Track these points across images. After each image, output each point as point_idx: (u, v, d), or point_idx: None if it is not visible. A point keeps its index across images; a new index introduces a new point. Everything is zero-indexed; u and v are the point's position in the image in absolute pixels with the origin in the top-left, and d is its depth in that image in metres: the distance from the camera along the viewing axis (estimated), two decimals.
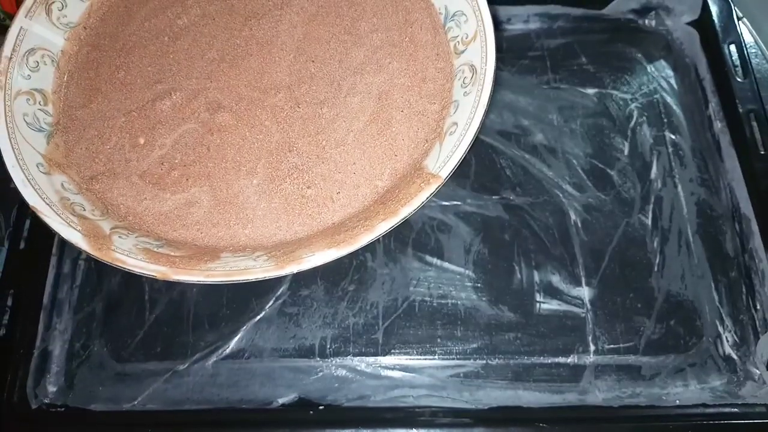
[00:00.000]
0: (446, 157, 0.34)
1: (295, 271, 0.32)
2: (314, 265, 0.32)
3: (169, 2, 0.41)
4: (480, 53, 0.37)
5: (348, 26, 0.40)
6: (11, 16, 0.41)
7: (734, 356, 0.46)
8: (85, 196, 0.36)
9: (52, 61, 0.39)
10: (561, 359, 0.46)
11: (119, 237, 0.34)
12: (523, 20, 0.59)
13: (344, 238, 0.33)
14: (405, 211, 0.33)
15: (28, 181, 0.34)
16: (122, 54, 0.39)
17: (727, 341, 0.46)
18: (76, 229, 0.33)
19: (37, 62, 0.38)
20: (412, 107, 0.38)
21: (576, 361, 0.46)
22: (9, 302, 0.47)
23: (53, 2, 0.38)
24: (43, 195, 0.34)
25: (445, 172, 0.34)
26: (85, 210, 0.35)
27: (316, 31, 0.40)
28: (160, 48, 0.40)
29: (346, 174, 0.36)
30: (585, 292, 0.48)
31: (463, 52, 0.38)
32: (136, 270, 0.32)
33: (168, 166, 0.37)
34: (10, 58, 0.37)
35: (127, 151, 0.37)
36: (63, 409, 0.45)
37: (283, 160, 0.37)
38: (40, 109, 0.37)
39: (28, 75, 0.37)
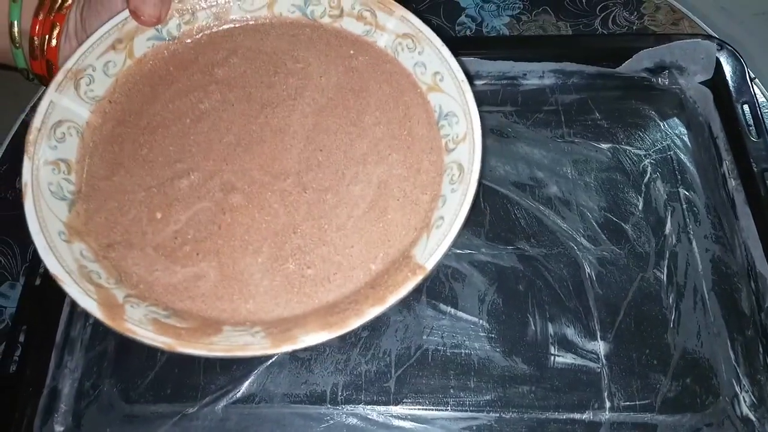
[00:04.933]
0: (432, 250, 0.37)
1: (290, 350, 0.34)
2: (307, 345, 0.34)
3: (193, 87, 0.43)
4: (468, 154, 0.39)
5: (354, 119, 0.43)
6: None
7: (752, 417, 0.45)
8: (101, 265, 0.37)
9: (77, 132, 0.40)
10: (576, 415, 0.45)
11: (131, 306, 0.35)
12: (538, 76, 0.60)
13: (336, 321, 0.35)
14: (392, 299, 0.35)
15: (50, 249, 0.35)
16: (146, 132, 0.42)
17: (745, 401, 0.46)
18: (92, 298, 0.34)
19: (64, 133, 0.39)
20: (407, 196, 0.40)
21: (591, 417, 0.45)
22: (21, 338, 0.47)
23: (81, 77, 0.40)
24: (63, 263, 0.35)
25: (431, 264, 0.36)
26: (101, 278, 0.36)
27: (325, 122, 0.42)
28: (182, 129, 0.42)
29: (344, 256, 0.38)
30: (600, 347, 0.48)
31: (453, 150, 0.40)
32: (146, 341, 0.33)
33: (181, 240, 0.38)
34: (39, 129, 0.38)
35: (144, 224, 0.39)
36: None
37: (287, 241, 0.39)
38: (64, 178, 0.39)
39: (55, 145, 0.39)
